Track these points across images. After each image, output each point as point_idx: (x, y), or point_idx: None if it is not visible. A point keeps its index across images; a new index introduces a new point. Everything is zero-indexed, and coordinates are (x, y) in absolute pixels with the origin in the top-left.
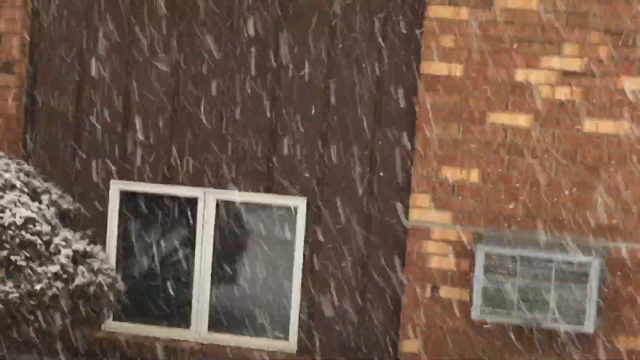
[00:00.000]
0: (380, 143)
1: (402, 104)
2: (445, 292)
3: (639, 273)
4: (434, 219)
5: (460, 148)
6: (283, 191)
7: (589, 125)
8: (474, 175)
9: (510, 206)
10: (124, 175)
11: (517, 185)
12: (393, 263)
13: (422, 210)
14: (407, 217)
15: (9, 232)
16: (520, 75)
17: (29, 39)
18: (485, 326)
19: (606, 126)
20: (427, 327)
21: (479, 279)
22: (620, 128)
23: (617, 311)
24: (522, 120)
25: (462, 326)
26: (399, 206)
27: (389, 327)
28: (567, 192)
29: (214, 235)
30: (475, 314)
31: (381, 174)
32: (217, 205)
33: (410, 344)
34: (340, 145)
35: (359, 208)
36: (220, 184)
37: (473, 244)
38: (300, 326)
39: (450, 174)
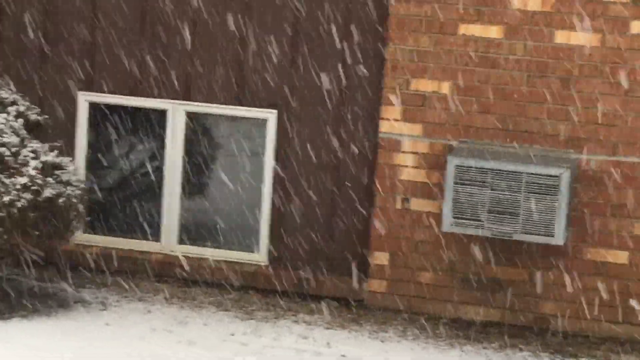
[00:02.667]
0: (349, 55)
1: (373, 15)
2: (415, 204)
3: (608, 185)
4: (405, 131)
5: (431, 60)
6: (253, 104)
7: (560, 36)
8: (445, 87)
9: (481, 118)
10: (92, 87)
11: (488, 97)
12: (363, 175)
13: (392, 123)
14: (378, 129)
15: None
16: None
17: None
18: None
19: (578, 38)
20: (397, 238)
21: (450, 190)
22: (591, 40)
23: (586, 223)
24: (493, 31)
25: (432, 238)
26: (368, 118)
27: (359, 239)
28: (537, 105)
29: (184, 148)
30: (445, 226)
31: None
32: (187, 117)
33: (380, 256)
34: (310, 57)
35: (329, 121)
36: (189, 96)
37: (444, 156)
38: (270, 238)
39: (421, 86)
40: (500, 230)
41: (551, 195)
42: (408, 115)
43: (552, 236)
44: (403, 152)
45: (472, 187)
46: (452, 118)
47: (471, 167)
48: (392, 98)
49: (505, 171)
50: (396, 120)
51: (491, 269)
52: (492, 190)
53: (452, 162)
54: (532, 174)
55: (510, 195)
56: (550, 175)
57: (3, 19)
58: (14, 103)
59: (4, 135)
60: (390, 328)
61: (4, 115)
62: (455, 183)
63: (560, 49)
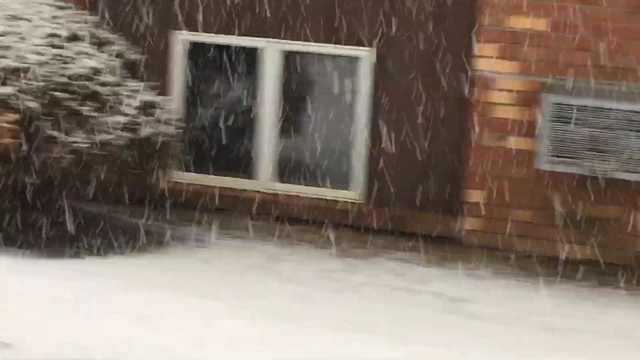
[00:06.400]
0: None
1: None
2: (510, 142)
3: None
4: (500, 69)
5: None
6: (348, 41)
7: None
8: (541, 24)
9: (579, 56)
10: (188, 26)
11: (586, 34)
12: (457, 113)
13: (488, 60)
14: (472, 67)
15: (77, 83)
16: None
17: None
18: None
19: None
20: (491, 176)
21: (547, 128)
22: None
23: None
24: None
25: (527, 176)
26: (462, 56)
27: (454, 177)
28: (637, 41)
29: (279, 86)
30: (541, 164)
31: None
32: (282, 55)
33: (476, 194)
34: None
35: (422, 58)
36: (284, 35)
37: (540, 94)
38: (365, 175)
39: (517, 23)
40: (597, 167)
41: None
42: (503, 52)
43: None
44: (498, 89)
45: (570, 124)
46: (549, 55)
47: (569, 104)
48: (487, 35)
49: (604, 109)
50: (491, 57)
51: (587, 207)
52: (588, 127)
53: (549, 100)
54: (630, 110)
55: (607, 132)
56: None
57: None
58: (112, 43)
59: (104, 74)
60: (486, 266)
61: (104, 55)
62: (552, 121)
63: None
